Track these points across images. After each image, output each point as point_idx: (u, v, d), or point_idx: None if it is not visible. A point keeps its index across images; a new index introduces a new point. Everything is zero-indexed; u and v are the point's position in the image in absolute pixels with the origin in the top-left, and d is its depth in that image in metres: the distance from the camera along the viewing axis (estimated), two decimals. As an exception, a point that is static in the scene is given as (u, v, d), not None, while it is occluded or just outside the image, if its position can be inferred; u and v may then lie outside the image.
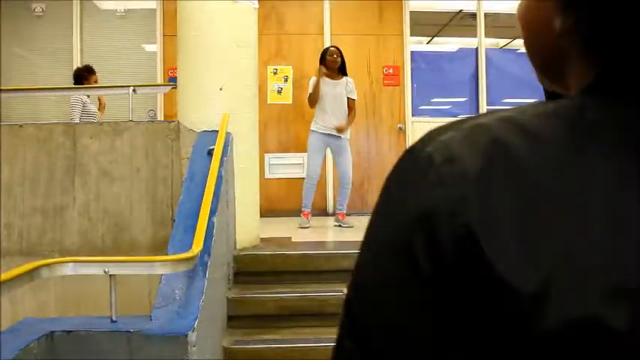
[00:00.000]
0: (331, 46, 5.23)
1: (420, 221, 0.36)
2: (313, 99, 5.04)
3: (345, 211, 5.23)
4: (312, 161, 5.11)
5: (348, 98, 5.12)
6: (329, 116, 5.02)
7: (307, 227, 5.07)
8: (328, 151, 5.22)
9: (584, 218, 0.34)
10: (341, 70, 5.12)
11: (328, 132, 5.04)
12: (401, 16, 6.49)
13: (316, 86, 5.00)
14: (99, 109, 5.55)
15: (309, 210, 5.17)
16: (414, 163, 0.38)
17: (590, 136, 0.36)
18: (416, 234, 0.36)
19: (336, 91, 5.06)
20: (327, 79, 5.06)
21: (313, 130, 5.09)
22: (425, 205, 0.36)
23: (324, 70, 5.06)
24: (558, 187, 0.35)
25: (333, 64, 5.07)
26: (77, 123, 4.80)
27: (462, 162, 0.36)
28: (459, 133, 0.38)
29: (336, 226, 5.23)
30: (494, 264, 0.34)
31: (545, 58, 0.44)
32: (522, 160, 0.36)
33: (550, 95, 0.46)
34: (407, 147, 0.41)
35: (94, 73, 5.47)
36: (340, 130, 5.02)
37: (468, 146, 0.37)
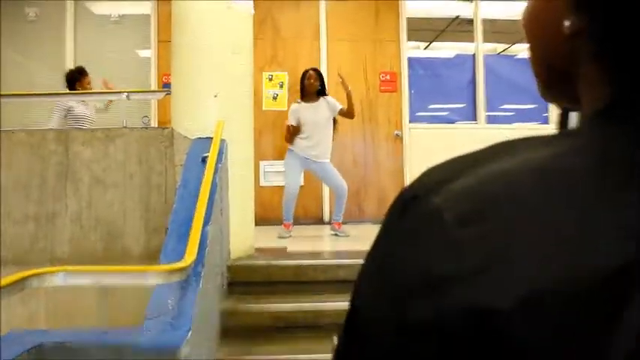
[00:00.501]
0: (310, 69, 5.21)
1: (425, 294, 0.31)
2: (293, 135, 4.99)
3: (341, 220, 5.21)
4: (290, 178, 5.09)
5: (335, 117, 5.11)
6: (307, 143, 5.03)
7: (287, 237, 5.04)
8: None
9: None
10: (320, 93, 5.09)
11: (306, 156, 5.04)
12: (397, 22, 6.51)
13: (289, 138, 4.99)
14: (106, 105, 5.47)
15: (290, 222, 5.14)
16: (419, 218, 0.33)
17: (627, 182, 0.31)
18: (419, 310, 0.31)
19: (317, 117, 5.06)
20: (304, 104, 5.06)
21: (290, 149, 5.10)
22: (433, 275, 0.31)
23: (299, 101, 5.08)
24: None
25: (311, 88, 5.05)
26: (66, 129, 4.76)
27: (481, 225, 0.31)
28: (474, 182, 0.33)
29: (332, 235, 5.21)
30: (526, 351, 0.29)
31: (553, 65, 0.41)
32: (555, 224, 0.30)
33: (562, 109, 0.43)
34: (405, 186, 0.36)
35: (87, 75, 5.41)
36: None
37: (487, 202, 0.32)
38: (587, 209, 0.30)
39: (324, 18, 6.45)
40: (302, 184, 5.35)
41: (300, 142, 5.06)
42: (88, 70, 5.51)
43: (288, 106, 6.32)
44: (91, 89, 5.39)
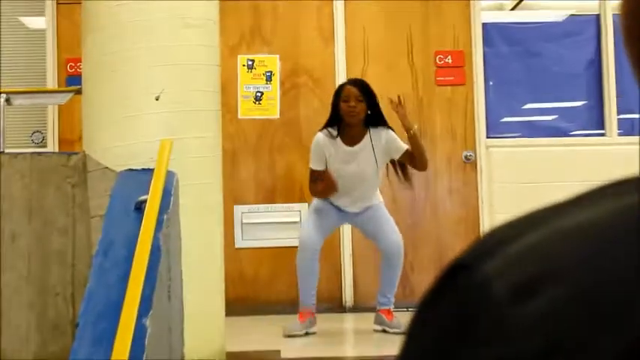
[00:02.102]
0: (348, 83, 5.26)
1: None
2: (325, 190, 5.16)
3: (392, 306, 5.28)
4: (311, 222, 5.22)
5: (396, 159, 5.27)
6: (343, 201, 5.23)
7: (302, 335, 5.08)
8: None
9: None
10: (369, 122, 5.17)
11: (344, 208, 5.26)
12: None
13: (326, 175, 5.16)
14: None
15: (309, 307, 5.19)
16: (465, 295, 0.38)
17: None
18: None
19: (362, 166, 5.18)
20: (339, 142, 5.18)
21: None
22: None
23: (333, 133, 5.19)
24: None
25: (353, 119, 5.13)
26: None
27: (543, 296, 0.35)
28: (536, 241, 0.38)
29: (377, 331, 5.25)
30: None
31: None
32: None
33: None
34: (477, 237, 0.40)
35: None
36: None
37: (553, 266, 0.36)
38: None
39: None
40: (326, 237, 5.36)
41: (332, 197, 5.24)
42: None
43: (281, 112, 6.39)
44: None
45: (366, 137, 5.15)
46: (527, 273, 0.37)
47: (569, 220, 0.38)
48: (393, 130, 5.22)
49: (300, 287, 5.20)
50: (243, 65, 6.43)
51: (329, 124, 5.22)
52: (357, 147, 5.15)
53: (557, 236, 0.38)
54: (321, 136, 5.19)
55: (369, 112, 5.12)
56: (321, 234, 5.23)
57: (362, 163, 5.14)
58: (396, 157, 5.19)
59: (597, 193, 0.41)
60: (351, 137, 5.16)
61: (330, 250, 6.09)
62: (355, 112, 5.08)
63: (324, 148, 5.15)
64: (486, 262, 0.38)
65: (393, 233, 5.23)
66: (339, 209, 5.23)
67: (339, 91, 5.20)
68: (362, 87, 5.17)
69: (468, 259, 0.39)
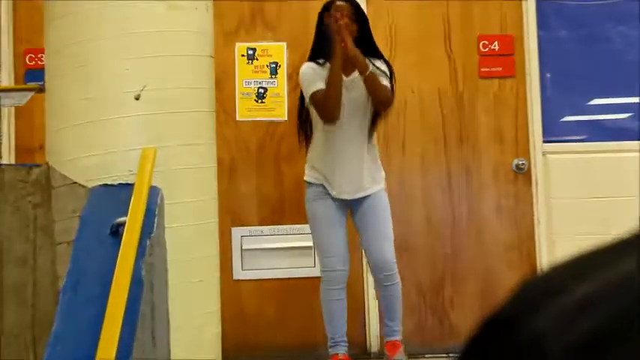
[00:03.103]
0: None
1: None
2: (330, 107, 5.15)
3: (399, 337, 5.28)
4: (325, 238, 5.25)
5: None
6: (336, 171, 5.23)
7: None
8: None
9: None
10: (366, 49, 5.22)
11: (337, 194, 5.25)
12: None
13: (333, 79, 5.12)
14: None
15: (341, 347, 5.20)
16: (515, 355, 0.38)
17: None
18: None
19: (351, 99, 5.21)
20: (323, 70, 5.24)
21: (310, 183, 5.31)
22: None
23: (320, 61, 5.24)
24: None
25: (344, 31, 5.14)
26: None
27: (612, 358, 0.36)
28: (596, 290, 0.38)
29: None
30: None
31: None
32: None
33: None
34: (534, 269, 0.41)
35: None
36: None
37: (618, 320, 0.37)
38: None
39: None
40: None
41: (316, 156, 5.25)
42: None
43: (290, 114, 6.39)
44: None
45: (355, 72, 5.19)
46: (586, 330, 0.37)
47: (616, 270, 0.39)
48: (389, 64, 5.34)
49: (329, 327, 5.22)
50: (243, 55, 6.43)
51: (313, 53, 5.30)
52: (351, 77, 5.20)
53: (609, 289, 0.38)
54: (306, 66, 5.28)
55: (358, 34, 5.17)
56: (341, 244, 5.24)
57: (356, 102, 5.19)
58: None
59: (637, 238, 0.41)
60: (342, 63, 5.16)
61: (351, 283, 6.07)
62: (351, 27, 5.12)
63: (316, 74, 5.21)
64: (534, 317, 0.39)
65: (378, 239, 5.21)
66: (335, 201, 5.23)
67: (327, 7, 5.25)
68: (353, 3, 5.28)
69: (512, 313, 0.40)
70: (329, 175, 5.21)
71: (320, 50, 5.26)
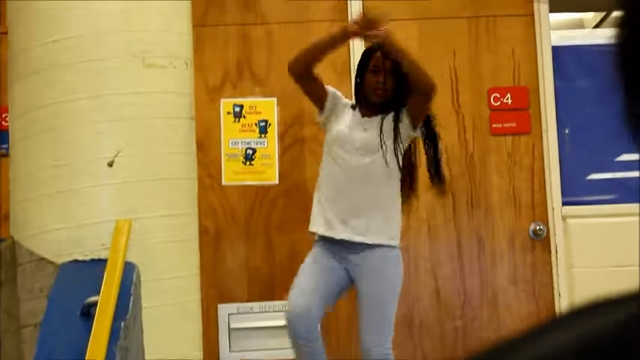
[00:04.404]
0: (377, 47, 5.33)
1: None
2: (309, 56, 5.22)
3: None
4: (304, 275, 5.13)
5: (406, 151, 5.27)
6: (335, 206, 5.16)
7: None
8: None
9: None
10: (389, 104, 5.24)
11: (338, 236, 5.12)
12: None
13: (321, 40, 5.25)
14: None
15: None
16: None
17: None
18: None
19: (369, 137, 5.23)
20: (351, 112, 5.29)
21: (318, 235, 5.21)
22: None
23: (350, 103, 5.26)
24: None
25: (379, 96, 5.22)
26: None
27: None
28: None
29: None
30: None
31: None
32: None
33: None
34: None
35: None
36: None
37: None
38: None
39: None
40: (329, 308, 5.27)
41: (322, 199, 5.21)
42: None
43: (281, 176, 6.39)
44: None
45: (381, 116, 5.24)
46: None
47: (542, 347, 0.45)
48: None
49: None
50: (229, 113, 6.45)
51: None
52: (372, 119, 5.22)
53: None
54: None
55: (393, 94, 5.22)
56: (319, 293, 5.10)
57: (371, 141, 5.17)
58: (412, 133, 5.25)
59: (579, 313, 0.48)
60: (367, 108, 5.26)
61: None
62: (384, 89, 5.19)
63: (340, 100, 5.29)
64: None
65: (368, 331, 5.06)
66: (332, 244, 5.12)
67: (367, 59, 5.30)
68: (390, 55, 5.25)
69: None
70: (331, 208, 5.17)
71: (356, 100, 5.33)
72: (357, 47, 6.41)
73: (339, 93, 5.32)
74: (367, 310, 5.11)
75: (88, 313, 3.65)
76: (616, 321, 0.58)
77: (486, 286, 6.41)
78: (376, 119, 5.18)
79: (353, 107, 5.30)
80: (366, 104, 5.24)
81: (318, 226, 5.16)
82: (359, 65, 5.34)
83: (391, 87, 5.19)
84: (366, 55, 5.31)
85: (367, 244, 5.08)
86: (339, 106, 5.28)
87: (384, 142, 5.10)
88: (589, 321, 0.58)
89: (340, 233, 5.09)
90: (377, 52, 5.24)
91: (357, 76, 5.35)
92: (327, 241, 5.12)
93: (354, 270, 5.13)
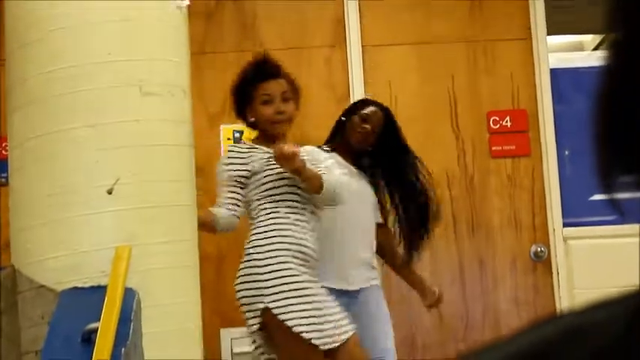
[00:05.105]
0: (374, 103, 5.35)
1: None
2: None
3: None
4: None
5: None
6: (350, 248, 5.19)
7: None
8: None
9: None
10: (374, 150, 5.32)
11: (340, 286, 5.15)
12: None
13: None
14: None
15: None
16: None
17: None
18: None
19: (361, 188, 5.30)
20: (341, 161, 5.29)
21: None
22: None
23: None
24: None
25: (363, 142, 5.27)
26: None
27: None
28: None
29: None
30: None
31: None
32: None
33: None
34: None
35: None
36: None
37: None
38: None
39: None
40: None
41: (328, 253, 5.11)
42: None
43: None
44: None
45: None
46: None
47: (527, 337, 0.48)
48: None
49: None
50: (229, 139, 6.46)
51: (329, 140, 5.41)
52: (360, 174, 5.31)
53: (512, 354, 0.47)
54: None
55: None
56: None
57: (361, 185, 5.26)
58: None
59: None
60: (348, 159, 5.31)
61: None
62: (371, 138, 5.24)
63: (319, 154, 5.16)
64: None
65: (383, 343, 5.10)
66: (334, 290, 5.06)
67: (360, 107, 5.36)
68: (388, 114, 5.36)
69: None
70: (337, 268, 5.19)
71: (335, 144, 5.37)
72: (356, 72, 6.44)
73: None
74: (377, 336, 5.14)
75: (88, 339, 3.64)
76: (607, 315, 0.61)
77: (488, 308, 6.40)
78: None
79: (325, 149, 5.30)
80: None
81: None
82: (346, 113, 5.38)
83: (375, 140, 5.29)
84: (361, 104, 5.42)
85: None
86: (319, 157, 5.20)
87: None
88: (576, 317, 0.61)
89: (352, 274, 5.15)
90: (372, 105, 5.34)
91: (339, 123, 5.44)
92: None
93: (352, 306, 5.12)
